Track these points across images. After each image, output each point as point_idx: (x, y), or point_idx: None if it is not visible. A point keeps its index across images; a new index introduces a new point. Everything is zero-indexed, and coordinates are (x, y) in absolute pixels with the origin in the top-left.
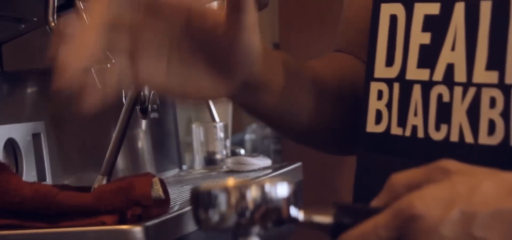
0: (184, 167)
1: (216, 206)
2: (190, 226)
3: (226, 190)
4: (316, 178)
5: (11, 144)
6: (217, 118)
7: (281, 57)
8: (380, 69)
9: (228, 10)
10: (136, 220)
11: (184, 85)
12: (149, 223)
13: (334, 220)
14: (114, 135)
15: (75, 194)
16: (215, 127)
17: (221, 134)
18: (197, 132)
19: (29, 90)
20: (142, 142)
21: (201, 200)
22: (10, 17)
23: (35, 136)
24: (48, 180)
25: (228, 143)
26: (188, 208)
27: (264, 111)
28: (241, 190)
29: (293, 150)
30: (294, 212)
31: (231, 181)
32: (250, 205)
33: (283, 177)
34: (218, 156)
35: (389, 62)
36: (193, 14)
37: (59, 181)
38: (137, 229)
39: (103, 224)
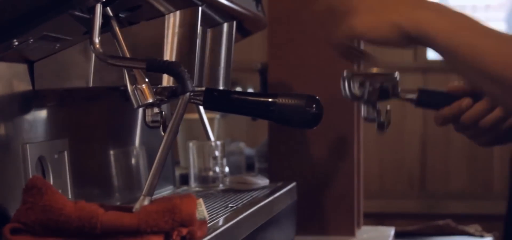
0: None
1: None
2: None
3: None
4: (304, 196)
5: (40, 162)
6: (212, 137)
7: None
8: None
9: None
10: None
11: None
12: None
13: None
14: (157, 155)
15: (120, 214)
16: (211, 146)
17: (217, 153)
18: (193, 150)
19: (54, 108)
20: (136, 159)
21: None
22: (51, 36)
23: (60, 154)
24: (70, 198)
25: (224, 161)
26: (226, 226)
27: None
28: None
29: (278, 170)
30: None
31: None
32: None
33: None
34: (212, 174)
35: None
36: None
37: (77, 199)
38: None
39: None
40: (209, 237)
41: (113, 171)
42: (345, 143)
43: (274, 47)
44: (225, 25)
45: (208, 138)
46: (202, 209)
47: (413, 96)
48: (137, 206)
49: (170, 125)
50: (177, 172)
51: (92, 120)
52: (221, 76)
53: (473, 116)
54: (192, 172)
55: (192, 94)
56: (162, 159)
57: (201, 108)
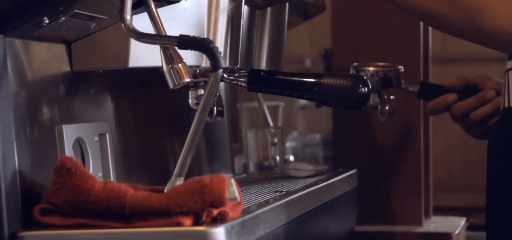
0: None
1: None
2: (268, 226)
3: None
4: (369, 185)
5: (78, 143)
6: (271, 123)
7: None
8: None
9: None
10: (211, 221)
11: None
12: (229, 224)
13: None
14: (188, 135)
15: (149, 195)
16: (270, 133)
17: (275, 140)
18: (251, 137)
19: (96, 90)
20: (184, 143)
21: None
22: (83, 15)
23: (101, 136)
24: (113, 180)
25: (284, 148)
26: (264, 209)
27: None
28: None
29: (344, 157)
30: None
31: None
32: None
33: None
34: (271, 162)
35: None
36: None
37: (122, 181)
38: (218, 230)
39: (179, 225)
40: (242, 219)
41: (162, 155)
42: (411, 131)
43: (338, 32)
44: (276, 7)
45: (267, 125)
46: (233, 189)
47: (414, 88)
48: (168, 186)
49: (201, 104)
50: (242, 161)
51: (136, 103)
52: (272, 59)
53: (462, 109)
54: (251, 159)
55: (236, 75)
56: (193, 138)
57: (260, 95)
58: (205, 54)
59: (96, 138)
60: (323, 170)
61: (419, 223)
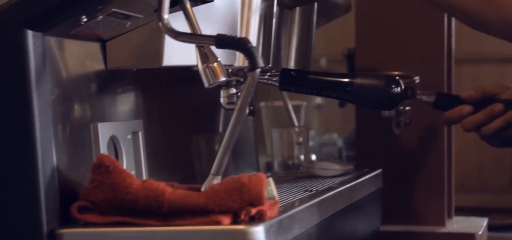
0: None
1: None
2: (303, 226)
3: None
4: (392, 185)
5: (112, 141)
6: (296, 122)
7: None
8: None
9: None
10: (249, 220)
11: None
12: (268, 223)
13: None
14: (226, 134)
15: (187, 193)
16: (295, 132)
17: (300, 139)
18: (276, 136)
19: (129, 88)
20: (217, 142)
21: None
22: (120, 13)
23: (134, 134)
24: (145, 178)
25: (309, 147)
26: (299, 208)
27: None
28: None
29: (367, 157)
30: None
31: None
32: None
33: None
34: (296, 160)
35: None
36: None
37: (154, 179)
38: (258, 229)
39: (218, 223)
40: (279, 218)
41: (193, 153)
42: (434, 132)
43: (362, 32)
44: (305, 7)
45: (292, 124)
46: (271, 188)
47: (430, 99)
48: (205, 185)
49: (239, 103)
50: (264, 160)
51: (169, 101)
52: (301, 58)
53: (472, 124)
54: (276, 159)
55: (268, 74)
56: (231, 137)
57: (284, 94)
58: (243, 53)
59: (129, 136)
60: (349, 169)
61: (442, 223)
